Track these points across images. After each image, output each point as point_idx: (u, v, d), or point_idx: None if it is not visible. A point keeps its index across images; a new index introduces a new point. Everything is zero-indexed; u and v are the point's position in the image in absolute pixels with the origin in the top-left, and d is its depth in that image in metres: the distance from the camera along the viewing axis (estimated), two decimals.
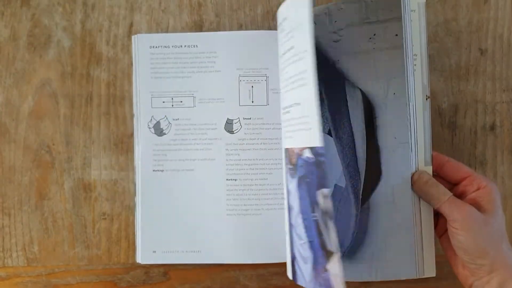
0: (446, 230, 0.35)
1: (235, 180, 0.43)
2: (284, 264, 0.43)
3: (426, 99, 0.37)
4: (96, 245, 0.45)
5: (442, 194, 0.34)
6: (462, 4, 0.45)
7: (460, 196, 0.36)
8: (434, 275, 0.37)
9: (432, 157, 0.37)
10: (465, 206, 0.33)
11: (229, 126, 0.43)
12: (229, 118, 0.43)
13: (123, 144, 0.45)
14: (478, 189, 0.35)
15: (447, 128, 0.45)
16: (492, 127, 0.45)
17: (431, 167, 0.37)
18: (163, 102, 0.44)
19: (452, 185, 0.37)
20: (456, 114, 0.45)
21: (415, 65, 0.37)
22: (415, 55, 0.37)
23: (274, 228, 0.43)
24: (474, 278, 0.34)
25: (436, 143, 0.43)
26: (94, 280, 0.45)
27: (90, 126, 0.45)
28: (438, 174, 0.38)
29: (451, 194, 0.34)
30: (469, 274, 0.34)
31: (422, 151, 0.37)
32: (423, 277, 0.37)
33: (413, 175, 0.36)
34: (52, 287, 0.45)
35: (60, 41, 0.45)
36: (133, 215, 0.44)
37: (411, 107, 0.36)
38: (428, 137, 0.37)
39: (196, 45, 0.43)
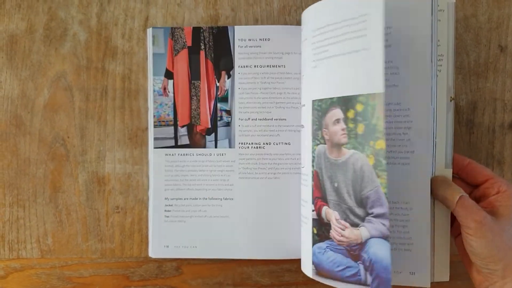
0: (461, 232, 0.35)
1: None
2: (296, 261, 0.43)
3: (450, 100, 0.36)
4: (109, 239, 0.45)
5: (455, 191, 0.34)
6: (482, 0, 0.44)
7: (480, 198, 0.35)
8: (447, 279, 0.37)
9: (453, 159, 0.36)
10: (479, 212, 0.32)
11: None
12: None
13: (137, 138, 0.45)
14: (497, 192, 0.34)
15: (464, 126, 0.44)
16: (511, 126, 0.44)
17: (451, 169, 0.36)
18: None
19: (473, 188, 0.37)
20: (474, 112, 0.44)
21: (440, 65, 0.36)
22: (441, 55, 0.36)
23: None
24: (488, 283, 0.33)
25: (453, 141, 0.43)
26: (107, 273, 0.45)
27: (104, 119, 0.45)
28: (459, 177, 0.37)
29: (463, 193, 0.34)
30: (483, 278, 0.34)
31: (442, 153, 0.36)
32: (434, 281, 0.36)
33: (431, 179, 0.36)
34: (66, 279, 0.45)
35: (76, 34, 0.45)
36: (146, 209, 0.44)
37: (431, 109, 0.36)
38: (450, 139, 0.36)
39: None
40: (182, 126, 0.44)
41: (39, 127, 0.45)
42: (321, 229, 0.36)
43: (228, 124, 0.43)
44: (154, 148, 0.44)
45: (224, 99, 0.43)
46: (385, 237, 0.32)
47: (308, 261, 0.38)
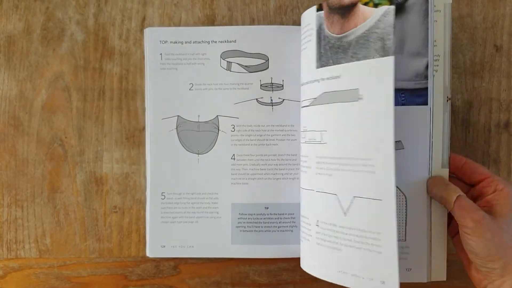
0: (459, 231, 0.35)
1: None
2: (293, 260, 0.43)
3: (447, 100, 0.37)
4: (107, 238, 0.45)
5: (452, 191, 0.34)
6: (477, 0, 0.44)
7: (477, 197, 0.36)
8: (444, 279, 0.37)
9: (450, 159, 0.37)
10: (477, 211, 0.32)
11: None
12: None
13: (135, 138, 0.45)
14: (495, 191, 0.34)
15: (460, 125, 0.44)
16: (507, 125, 0.44)
17: (447, 169, 0.36)
18: None
19: (470, 187, 0.37)
20: (470, 112, 0.44)
21: (437, 65, 0.36)
22: (438, 55, 0.36)
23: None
24: (487, 281, 0.33)
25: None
26: (105, 272, 0.45)
27: (102, 119, 0.45)
28: (455, 176, 0.37)
29: (460, 193, 0.34)
30: (482, 277, 0.34)
31: (439, 153, 0.36)
32: (431, 281, 0.37)
33: (427, 180, 0.36)
34: (64, 279, 0.45)
35: (73, 34, 0.45)
36: (144, 209, 0.45)
37: (428, 109, 0.36)
38: (446, 139, 0.36)
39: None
40: None
41: (37, 127, 0.45)
42: None
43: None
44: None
45: None
46: None
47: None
